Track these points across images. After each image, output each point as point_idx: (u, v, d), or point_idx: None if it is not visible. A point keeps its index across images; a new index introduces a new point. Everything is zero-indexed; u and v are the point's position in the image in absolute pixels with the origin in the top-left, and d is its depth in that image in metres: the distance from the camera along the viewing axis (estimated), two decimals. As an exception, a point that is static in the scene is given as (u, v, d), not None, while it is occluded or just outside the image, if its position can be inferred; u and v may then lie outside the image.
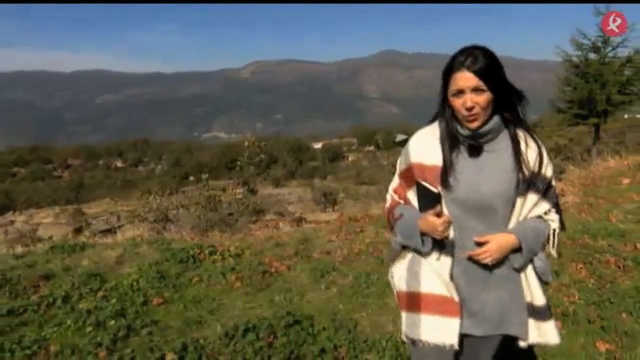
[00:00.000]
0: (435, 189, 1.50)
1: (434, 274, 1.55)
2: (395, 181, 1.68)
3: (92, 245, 5.15)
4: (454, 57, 1.42)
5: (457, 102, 1.43)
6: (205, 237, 5.56)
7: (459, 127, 1.48)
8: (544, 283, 1.59)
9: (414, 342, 1.59)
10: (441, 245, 1.53)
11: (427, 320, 1.55)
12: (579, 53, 11.37)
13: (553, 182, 1.56)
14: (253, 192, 7.89)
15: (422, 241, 1.54)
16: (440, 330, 1.53)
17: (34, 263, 4.47)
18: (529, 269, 1.55)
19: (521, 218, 1.51)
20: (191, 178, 9.17)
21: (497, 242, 1.47)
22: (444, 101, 1.50)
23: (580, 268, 3.72)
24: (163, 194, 8.98)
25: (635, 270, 3.61)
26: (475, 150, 1.50)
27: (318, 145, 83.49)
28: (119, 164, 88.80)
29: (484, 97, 1.40)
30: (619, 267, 3.68)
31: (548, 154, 1.54)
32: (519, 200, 1.48)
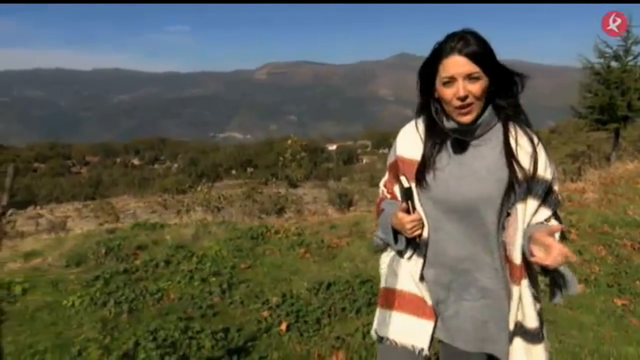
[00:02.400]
0: (408, 183, 1.39)
1: (409, 274, 1.46)
2: (386, 175, 1.58)
3: (167, 225, 5.93)
4: (443, 42, 1.26)
5: (447, 92, 1.25)
6: (263, 221, 6.29)
7: (444, 119, 1.33)
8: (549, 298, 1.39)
9: (381, 340, 1.48)
10: (415, 244, 1.42)
11: (398, 319, 1.44)
12: (601, 61, 11.86)
13: (555, 187, 1.35)
14: (294, 186, 8.62)
15: (397, 239, 1.43)
16: (410, 331, 1.41)
17: (126, 236, 5.24)
18: (524, 284, 1.32)
19: (524, 227, 1.31)
20: (233, 172, 9.99)
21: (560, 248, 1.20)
22: (428, 92, 1.35)
23: (601, 249, 4.36)
24: (209, 189, 9.83)
25: (648, 250, 4.24)
26: (460, 146, 1.34)
27: (333, 147, 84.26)
28: (136, 161, 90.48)
29: (478, 85, 1.23)
30: (634, 249, 4.31)
31: (547, 153, 1.34)
32: (519, 207, 1.29)
